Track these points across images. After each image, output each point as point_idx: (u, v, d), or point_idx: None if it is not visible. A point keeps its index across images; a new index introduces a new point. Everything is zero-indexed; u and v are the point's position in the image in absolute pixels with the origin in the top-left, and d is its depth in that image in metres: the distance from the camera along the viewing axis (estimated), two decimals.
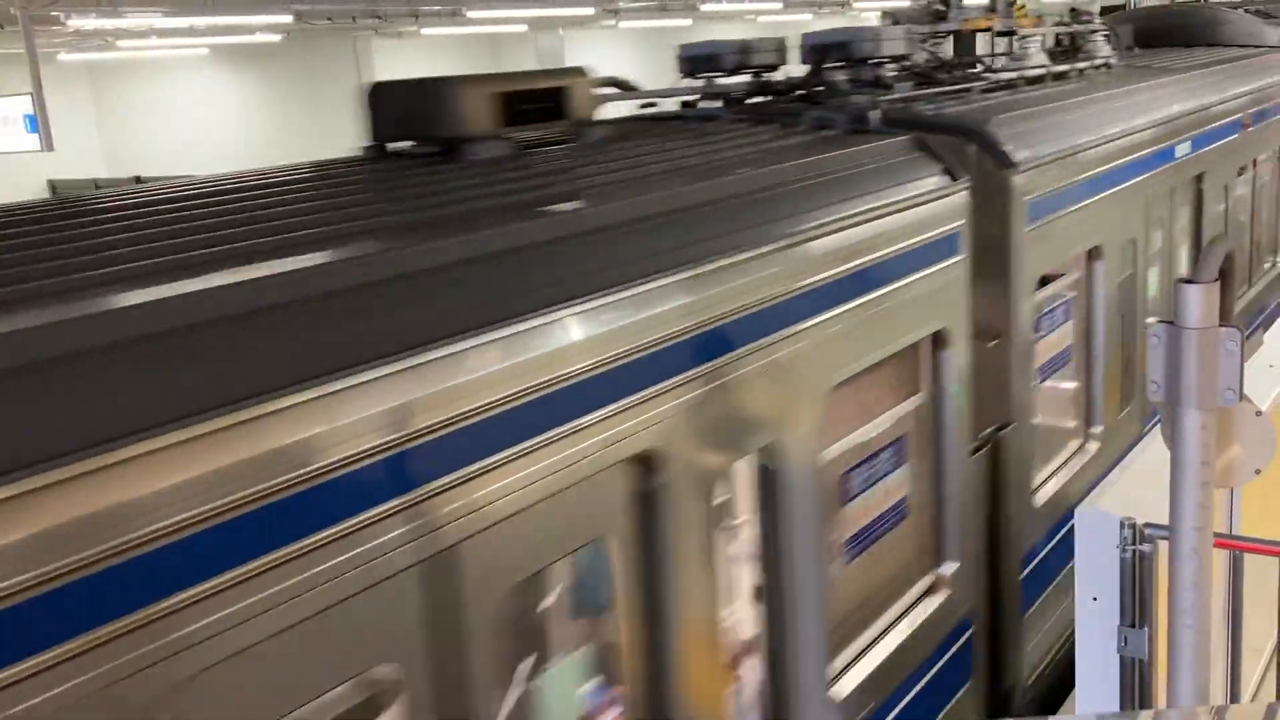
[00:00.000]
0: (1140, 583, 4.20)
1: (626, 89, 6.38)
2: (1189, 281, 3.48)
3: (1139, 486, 4.45)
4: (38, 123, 16.85)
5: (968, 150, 5.58)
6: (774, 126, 5.58)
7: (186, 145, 28.79)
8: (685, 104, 6.62)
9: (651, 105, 6.52)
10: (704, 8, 29.09)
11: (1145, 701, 4.29)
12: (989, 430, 5.70)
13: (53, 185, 26.43)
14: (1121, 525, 4.17)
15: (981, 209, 5.42)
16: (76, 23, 18.69)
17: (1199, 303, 3.46)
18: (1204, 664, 3.66)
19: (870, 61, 6.52)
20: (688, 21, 33.04)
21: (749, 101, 6.50)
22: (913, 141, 5.36)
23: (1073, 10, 9.70)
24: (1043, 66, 7.98)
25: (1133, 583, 4.21)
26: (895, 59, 6.78)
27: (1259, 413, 3.70)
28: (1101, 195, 6.69)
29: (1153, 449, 4.25)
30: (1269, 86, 10.58)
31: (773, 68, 6.61)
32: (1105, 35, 9.40)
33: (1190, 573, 3.57)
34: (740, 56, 6.47)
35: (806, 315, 4.17)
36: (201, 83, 29.86)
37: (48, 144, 17.09)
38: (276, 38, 25.37)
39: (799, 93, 6.46)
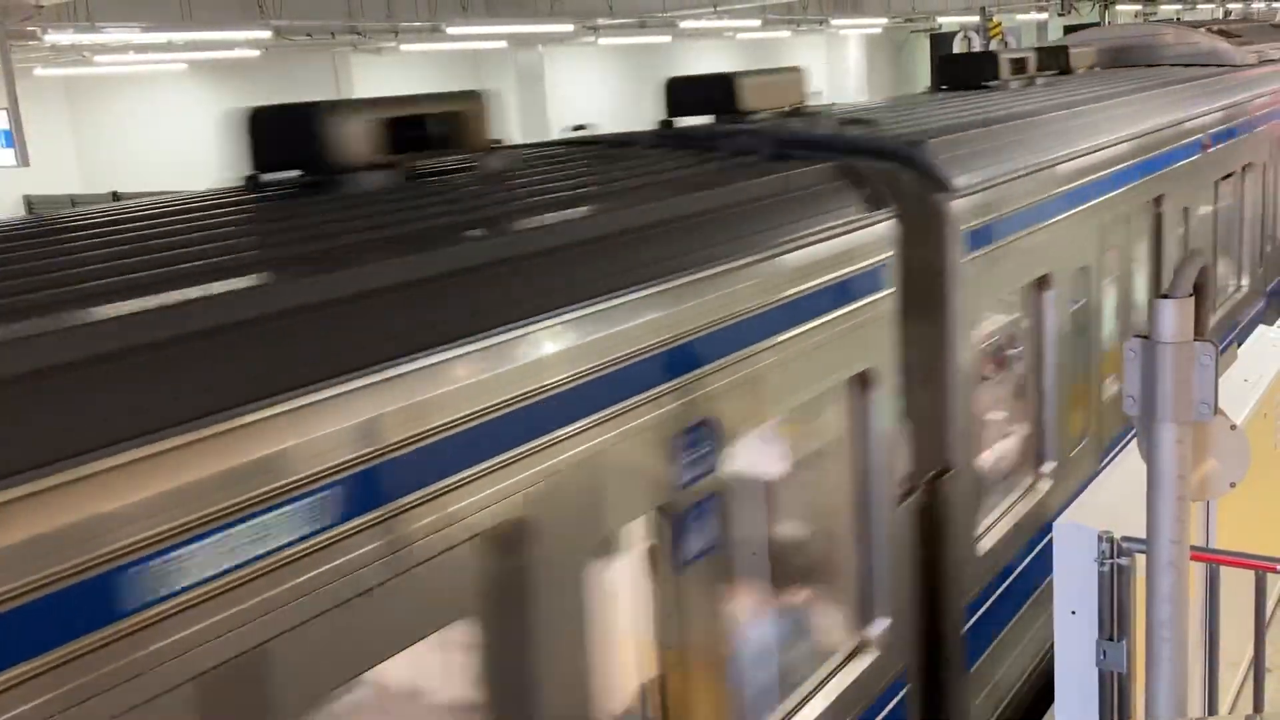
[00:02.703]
0: (1118, 596, 4.22)
1: None
2: (1165, 296, 3.50)
3: (1117, 500, 4.47)
4: (14, 138, 16.75)
5: (900, 177, 5.22)
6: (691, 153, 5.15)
7: (164, 161, 28.64)
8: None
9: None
10: (683, 25, 29.17)
11: (1124, 714, 4.30)
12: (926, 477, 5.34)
13: (29, 201, 26.24)
14: (1099, 539, 4.19)
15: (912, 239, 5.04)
16: (53, 37, 18.61)
17: (1174, 317, 3.48)
18: (1182, 677, 3.67)
19: None
20: (667, 38, 33.14)
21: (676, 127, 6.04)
22: (839, 169, 4.98)
23: None
24: None
25: (1111, 596, 4.22)
26: None
27: (1234, 426, 3.72)
28: (1051, 221, 6.32)
29: (1130, 462, 4.27)
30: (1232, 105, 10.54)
31: None
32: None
33: (1167, 586, 3.58)
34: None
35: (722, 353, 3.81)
36: (179, 99, 29.70)
37: (24, 159, 16.98)
38: (255, 53, 25.31)
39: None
